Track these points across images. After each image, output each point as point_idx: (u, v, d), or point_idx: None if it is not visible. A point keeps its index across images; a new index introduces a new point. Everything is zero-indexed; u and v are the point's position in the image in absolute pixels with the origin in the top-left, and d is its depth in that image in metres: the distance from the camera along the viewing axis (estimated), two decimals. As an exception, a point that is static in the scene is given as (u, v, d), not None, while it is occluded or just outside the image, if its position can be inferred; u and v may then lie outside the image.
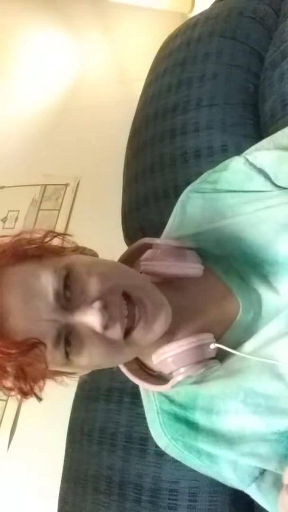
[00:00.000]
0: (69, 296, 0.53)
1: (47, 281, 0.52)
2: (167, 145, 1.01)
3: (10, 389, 0.52)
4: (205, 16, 1.12)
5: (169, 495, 0.75)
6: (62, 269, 0.53)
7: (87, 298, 0.53)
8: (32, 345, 0.49)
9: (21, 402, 1.26)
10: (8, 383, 0.52)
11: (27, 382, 0.51)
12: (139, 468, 0.78)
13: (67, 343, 0.53)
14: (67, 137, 1.63)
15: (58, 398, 1.01)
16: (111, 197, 1.13)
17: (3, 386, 0.52)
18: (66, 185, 1.57)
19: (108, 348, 0.54)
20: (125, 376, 0.65)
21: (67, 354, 0.53)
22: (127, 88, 1.62)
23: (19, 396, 0.52)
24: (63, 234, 0.63)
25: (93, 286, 0.53)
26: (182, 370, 0.57)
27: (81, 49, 1.85)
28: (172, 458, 0.71)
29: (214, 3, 1.18)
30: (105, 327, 0.52)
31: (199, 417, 0.62)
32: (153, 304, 0.55)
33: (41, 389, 0.54)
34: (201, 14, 1.16)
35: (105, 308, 0.52)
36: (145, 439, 0.79)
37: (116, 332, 0.53)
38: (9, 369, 0.50)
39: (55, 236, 0.61)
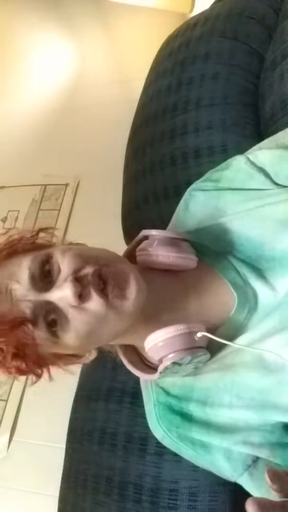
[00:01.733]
0: (48, 279, 0.57)
1: (25, 267, 0.57)
2: (167, 145, 1.01)
3: (9, 368, 0.57)
4: (205, 16, 1.12)
5: (169, 495, 0.75)
6: (41, 255, 0.58)
7: (62, 275, 0.57)
8: (17, 323, 0.54)
9: (21, 402, 1.27)
10: (7, 363, 0.56)
11: (23, 360, 0.56)
12: (139, 468, 0.78)
13: (52, 322, 0.56)
14: (67, 137, 1.63)
15: (58, 398, 1.01)
16: (111, 197, 1.13)
17: (2, 365, 0.57)
18: (66, 185, 1.57)
19: (90, 318, 0.56)
20: (125, 376, 0.65)
21: (52, 332, 0.56)
22: (127, 88, 1.62)
23: (20, 376, 0.58)
24: (49, 228, 0.68)
25: (67, 264, 0.57)
26: (170, 356, 0.58)
27: (81, 49, 1.86)
28: (172, 458, 0.71)
29: (214, 3, 1.18)
30: (80, 296, 0.55)
31: (193, 409, 0.63)
32: (120, 275, 0.58)
33: (42, 372, 0.59)
34: (201, 14, 1.16)
35: (77, 280, 0.55)
36: (145, 439, 0.79)
37: (94, 300, 0.56)
38: (3, 346, 0.55)
39: (41, 230, 0.67)
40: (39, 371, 0.60)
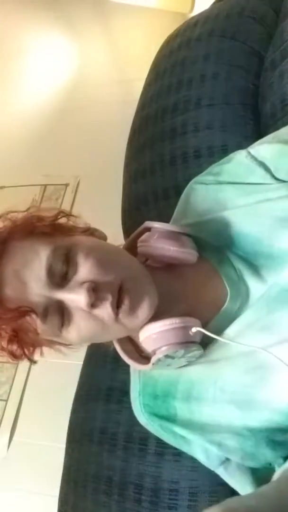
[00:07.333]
0: (65, 275, 0.56)
1: (43, 257, 0.56)
2: (167, 145, 1.01)
3: (3, 349, 0.57)
4: (205, 16, 1.12)
5: (169, 495, 0.75)
6: (62, 248, 0.57)
7: (79, 278, 0.56)
8: (23, 313, 0.54)
9: (21, 402, 1.27)
10: (2, 344, 0.57)
11: (19, 346, 0.57)
12: (139, 468, 0.78)
13: (61, 317, 0.57)
14: (67, 137, 1.63)
15: (58, 398, 1.01)
16: (111, 197, 1.13)
17: None
18: (66, 185, 1.57)
19: (95, 325, 0.57)
20: (125, 376, 0.65)
21: (58, 327, 0.57)
22: (127, 88, 1.62)
23: (11, 359, 0.58)
24: (72, 216, 0.66)
25: (87, 270, 0.56)
26: (163, 348, 0.59)
27: (81, 49, 1.86)
28: (172, 458, 0.71)
29: (214, 3, 1.18)
30: (93, 305, 0.55)
31: (178, 405, 0.64)
32: (138, 293, 0.58)
33: (34, 354, 0.59)
34: (201, 14, 1.16)
35: (94, 290, 0.55)
36: (145, 439, 0.79)
37: (106, 311, 0.56)
38: (2, 332, 0.55)
39: (64, 216, 0.65)
40: (32, 352, 0.60)
